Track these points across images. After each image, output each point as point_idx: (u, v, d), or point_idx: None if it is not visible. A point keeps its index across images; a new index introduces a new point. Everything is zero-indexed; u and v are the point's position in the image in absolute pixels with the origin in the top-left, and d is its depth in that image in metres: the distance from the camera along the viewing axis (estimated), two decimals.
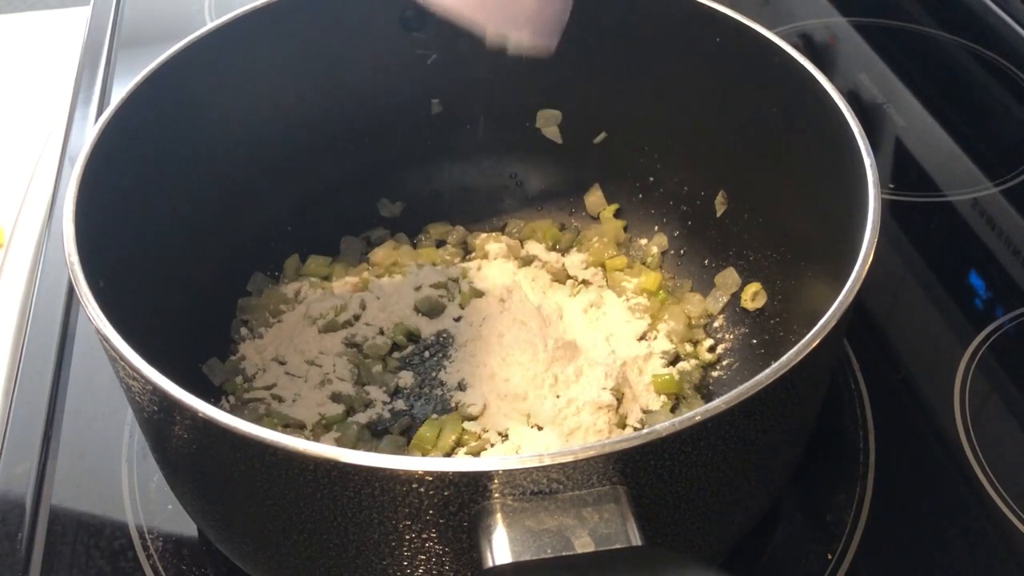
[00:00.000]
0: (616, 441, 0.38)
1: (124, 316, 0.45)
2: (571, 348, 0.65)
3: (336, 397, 0.64)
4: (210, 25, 0.61)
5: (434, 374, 0.66)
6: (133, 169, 0.56)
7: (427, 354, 0.68)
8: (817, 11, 1.02)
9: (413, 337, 0.68)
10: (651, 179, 0.74)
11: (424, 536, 0.40)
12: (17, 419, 0.65)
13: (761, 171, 0.65)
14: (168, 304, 0.61)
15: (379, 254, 0.74)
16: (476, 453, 0.61)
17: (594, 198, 0.76)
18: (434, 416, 0.63)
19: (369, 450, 0.60)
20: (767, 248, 0.66)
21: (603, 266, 0.73)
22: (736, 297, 0.68)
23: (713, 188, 0.70)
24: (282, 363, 0.66)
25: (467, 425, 0.63)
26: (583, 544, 0.37)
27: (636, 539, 0.37)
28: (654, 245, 0.74)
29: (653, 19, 0.67)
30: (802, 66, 0.58)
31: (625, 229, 0.75)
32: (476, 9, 0.31)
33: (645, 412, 0.63)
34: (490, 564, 0.37)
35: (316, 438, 0.62)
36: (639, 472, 0.39)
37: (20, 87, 1.03)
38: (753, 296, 0.67)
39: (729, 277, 0.69)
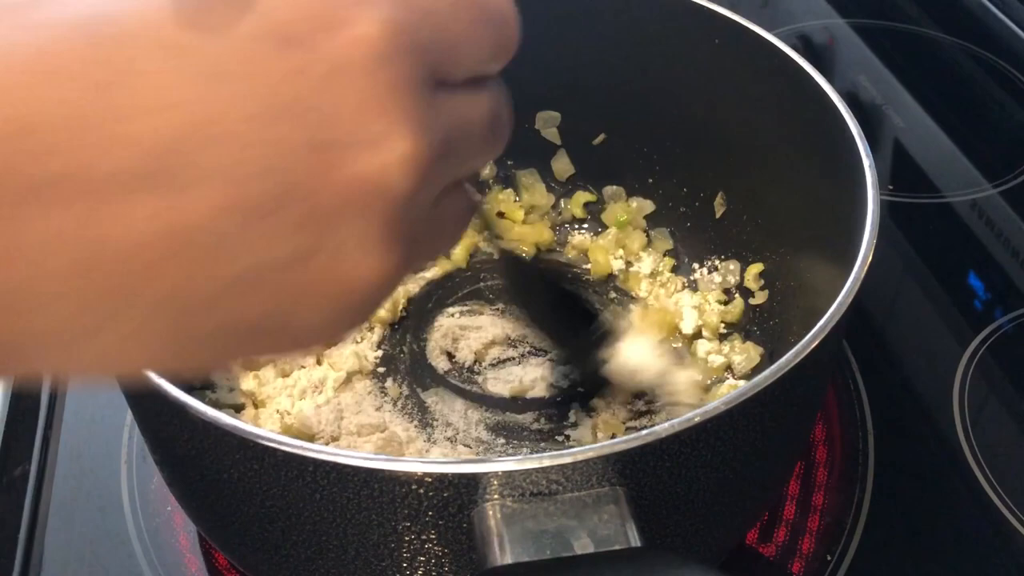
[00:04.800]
0: (615, 443, 0.38)
1: None
2: None
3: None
4: None
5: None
6: None
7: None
8: (816, 12, 1.02)
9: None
10: (650, 180, 0.74)
11: (423, 537, 0.40)
12: (17, 419, 0.65)
13: (760, 172, 0.65)
14: None
15: None
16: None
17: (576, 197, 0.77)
18: None
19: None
20: (766, 249, 0.67)
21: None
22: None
23: (712, 189, 0.70)
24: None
25: None
26: (582, 545, 0.37)
27: (635, 540, 0.37)
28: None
29: (652, 20, 0.67)
30: (801, 67, 0.58)
31: None
32: None
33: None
34: (489, 565, 0.37)
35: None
36: (638, 473, 0.39)
37: None
38: (755, 279, 0.67)
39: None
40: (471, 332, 0.68)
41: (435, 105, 0.26)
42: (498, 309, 0.70)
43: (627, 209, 0.74)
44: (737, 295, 0.68)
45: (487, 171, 0.76)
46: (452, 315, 0.70)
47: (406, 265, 0.27)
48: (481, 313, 0.70)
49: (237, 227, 0.24)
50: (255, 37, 0.24)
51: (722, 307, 0.68)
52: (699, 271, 0.71)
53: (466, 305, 0.70)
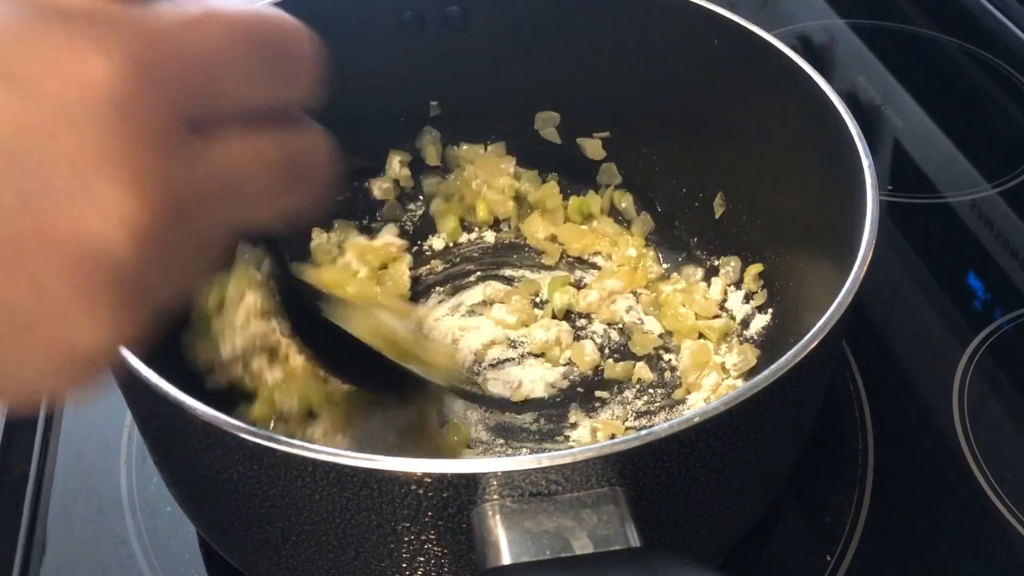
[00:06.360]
0: (614, 443, 0.38)
1: None
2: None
3: None
4: None
5: None
6: None
7: None
8: (815, 13, 1.03)
9: None
10: (650, 180, 0.74)
11: (423, 538, 0.40)
12: (16, 420, 0.65)
13: (759, 173, 0.65)
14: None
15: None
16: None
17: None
18: None
19: None
20: (765, 249, 0.67)
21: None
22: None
23: (711, 190, 0.70)
24: None
25: None
26: (582, 545, 0.37)
27: (635, 540, 0.37)
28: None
29: (651, 21, 0.67)
30: (800, 68, 0.58)
31: None
32: None
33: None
34: (489, 566, 0.37)
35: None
36: (637, 473, 0.39)
37: None
38: (754, 279, 0.67)
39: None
40: (471, 332, 0.68)
41: (183, 150, 0.24)
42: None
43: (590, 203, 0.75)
44: (725, 315, 0.68)
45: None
46: (452, 315, 0.70)
47: (136, 322, 0.25)
48: (481, 314, 0.70)
49: None
50: None
51: (707, 320, 0.67)
52: (698, 271, 0.71)
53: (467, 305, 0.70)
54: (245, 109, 0.26)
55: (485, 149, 0.76)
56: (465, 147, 0.76)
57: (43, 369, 0.24)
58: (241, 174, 0.26)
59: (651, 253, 0.73)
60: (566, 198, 0.76)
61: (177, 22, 0.24)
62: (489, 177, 0.75)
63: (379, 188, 0.75)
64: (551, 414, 0.64)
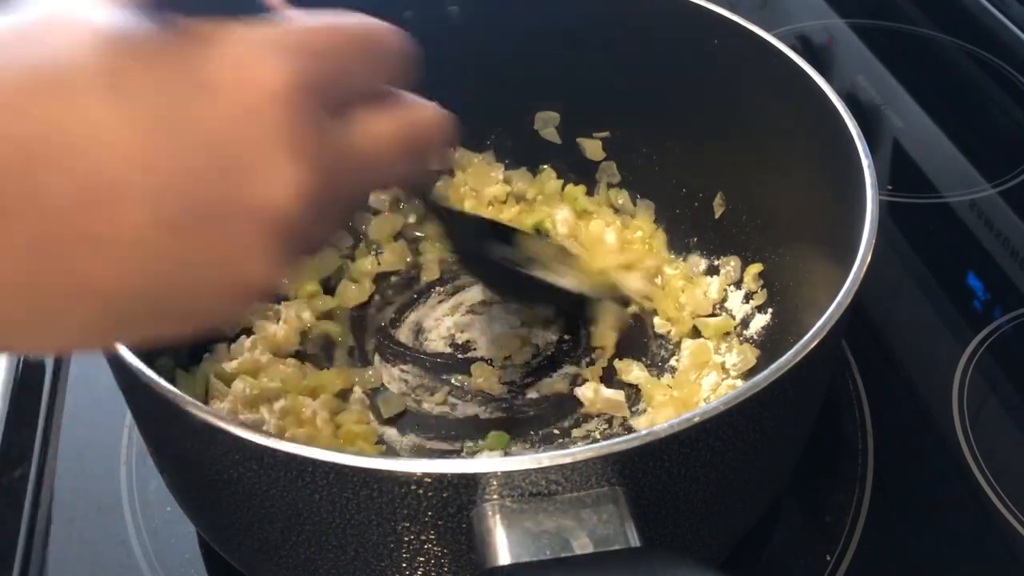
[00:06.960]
0: (614, 443, 0.38)
1: None
2: None
3: None
4: None
5: None
6: None
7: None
8: (815, 13, 1.03)
9: None
10: (650, 181, 0.74)
11: (423, 538, 0.40)
12: (16, 420, 0.65)
13: (759, 173, 0.65)
14: None
15: None
16: None
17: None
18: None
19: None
20: (765, 249, 0.67)
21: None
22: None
23: (711, 190, 0.70)
24: None
25: None
26: (582, 545, 0.37)
27: (635, 540, 0.37)
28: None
29: (651, 21, 0.67)
30: (800, 68, 0.58)
31: None
32: None
33: None
34: (489, 566, 0.37)
35: None
36: (637, 473, 0.39)
37: None
38: (754, 279, 0.67)
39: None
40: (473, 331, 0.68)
41: (331, 131, 0.33)
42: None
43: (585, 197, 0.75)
44: (724, 314, 0.67)
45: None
46: (452, 315, 0.70)
47: (294, 263, 0.33)
48: (481, 313, 0.70)
49: (159, 238, 0.29)
50: (183, 84, 0.30)
51: (707, 318, 0.67)
52: (701, 263, 0.71)
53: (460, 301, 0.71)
54: (363, 93, 0.35)
55: (480, 153, 0.76)
56: (459, 152, 0.76)
57: (224, 298, 0.32)
58: (371, 145, 0.35)
59: (660, 236, 0.73)
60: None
61: (310, 32, 0.33)
62: (478, 184, 0.75)
63: (375, 197, 0.75)
64: (552, 413, 0.64)
